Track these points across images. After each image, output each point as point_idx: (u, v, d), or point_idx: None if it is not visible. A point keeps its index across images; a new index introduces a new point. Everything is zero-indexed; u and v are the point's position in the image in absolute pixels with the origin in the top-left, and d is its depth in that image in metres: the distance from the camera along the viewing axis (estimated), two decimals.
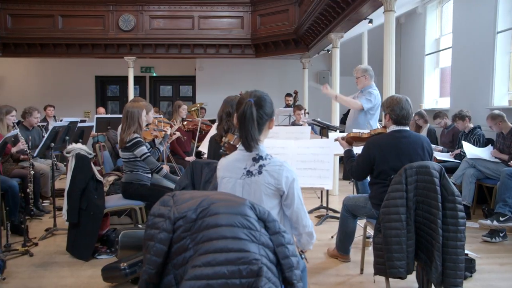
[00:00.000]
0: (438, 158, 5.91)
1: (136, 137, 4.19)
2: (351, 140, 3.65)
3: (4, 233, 4.19)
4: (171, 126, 5.12)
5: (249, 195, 2.10)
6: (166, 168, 4.62)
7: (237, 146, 2.21)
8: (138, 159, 4.24)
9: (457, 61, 7.58)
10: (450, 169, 5.54)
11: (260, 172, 2.10)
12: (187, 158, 6.21)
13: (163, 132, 4.90)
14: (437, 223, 2.70)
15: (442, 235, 2.70)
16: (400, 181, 2.84)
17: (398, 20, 9.86)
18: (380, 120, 5.97)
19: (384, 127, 3.43)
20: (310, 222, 2.20)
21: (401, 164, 3.00)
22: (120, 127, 5.87)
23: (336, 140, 3.77)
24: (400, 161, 3.11)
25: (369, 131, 3.64)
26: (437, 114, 6.87)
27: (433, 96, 9.15)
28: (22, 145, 5.08)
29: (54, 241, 4.61)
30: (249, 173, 2.12)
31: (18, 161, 5.50)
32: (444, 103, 8.65)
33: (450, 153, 6.18)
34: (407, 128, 3.31)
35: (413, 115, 7.74)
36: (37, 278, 3.60)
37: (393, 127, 3.29)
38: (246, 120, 2.08)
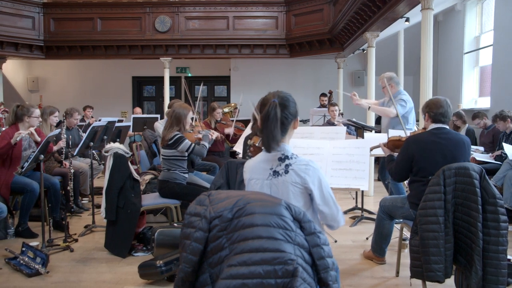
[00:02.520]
0: (478, 159, 5.74)
1: (177, 134, 4.30)
2: (392, 146, 3.64)
3: (47, 229, 4.34)
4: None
5: (276, 195, 2.11)
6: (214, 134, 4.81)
7: (263, 148, 2.22)
8: (179, 157, 4.32)
9: (498, 59, 7.34)
10: (490, 171, 5.38)
11: (286, 172, 2.11)
12: (226, 130, 6.31)
13: (210, 136, 4.90)
14: (477, 226, 2.63)
15: (483, 239, 2.62)
16: (438, 183, 2.78)
17: (436, 18, 9.63)
18: (416, 121, 5.86)
19: (424, 128, 3.41)
20: (343, 218, 2.23)
21: (441, 160, 2.99)
22: (155, 123, 6.00)
23: (375, 147, 3.76)
24: (440, 157, 3.10)
25: (409, 134, 3.61)
26: (476, 114, 6.67)
27: (472, 96, 8.89)
28: (62, 143, 5.24)
29: (93, 237, 4.74)
30: (276, 173, 2.14)
31: (60, 161, 5.68)
32: (483, 103, 8.40)
33: (490, 154, 6.00)
34: (447, 126, 3.28)
35: (451, 115, 7.57)
36: (77, 273, 3.71)
37: (433, 125, 3.29)
38: (270, 121, 2.09)
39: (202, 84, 6.71)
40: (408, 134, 3.66)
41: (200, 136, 4.75)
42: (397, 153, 3.67)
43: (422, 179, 3.18)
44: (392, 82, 5.12)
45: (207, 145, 4.56)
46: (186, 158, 4.44)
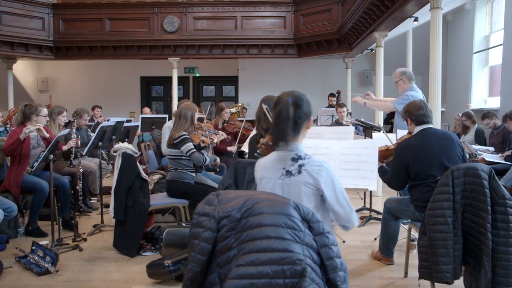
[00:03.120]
0: (487, 159, 5.70)
1: (184, 134, 4.34)
2: (381, 157, 3.62)
3: (56, 228, 4.37)
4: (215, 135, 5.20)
5: (288, 195, 2.11)
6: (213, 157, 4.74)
7: (276, 147, 2.22)
8: (184, 157, 4.34)
9: (509, 58, 7.28)
10: (500, 171, 5.34)
11: (299, 172, 2.11)
12: (229, 148, 6.29)
13: (211, 140, 4.94)
14: (486, 227, 2.61)
15: (492, 240, 2.60)
16: (447, 183, 2.76)
17: (445, 17, 9.58)
18: None
19: (409, 133, 3.46)
20: (356, 218, 2.23)
21: (435, 159, 3.05)
22: (164, 125, 6.01)
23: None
24: (433, 157, 3.16)
25: (394, 142, 3.64)
26: (486, 114, 6.63)
27: (482, 96, 8.83)
28: (72, 142, 5.27)
29: (101, 237, 4.77)
30: (289, 173, 2.13)
31: (69, 160, 5.71)
32: (493, 103, 8.34)
33: (500, 154, 5.95)
34: (431, 125, 3.37)
35: (461, 115, 7.53)
36: (86, 272, 3.74)
37: (418, 128, 3.36)
38: (282, 119, 2.10)
39: (210, 106, 6.67)
40: (395, 142, 3.68)
41: (203, 138, 4.76)
42: (387, 163, 3.69)
43: (422, 182, 3.22)
44: (404, 77, 5.01)
45: (207, 158, 4.52)
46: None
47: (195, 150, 4.36)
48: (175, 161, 4.40)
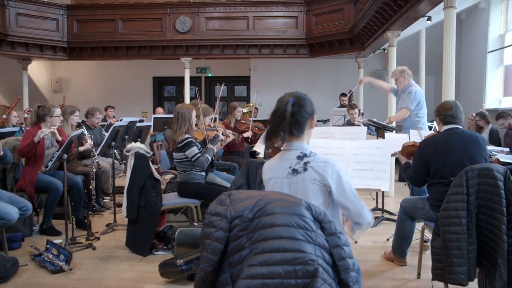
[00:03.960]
0: (502, 160, 5.62)
1: (187, 138, 4.27)
2: (407, 153, 3.63)
3: (70, 227, 4.42)
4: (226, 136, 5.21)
5: (296, 193, 2.12)
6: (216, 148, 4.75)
7: (281, 148, 2.23)
8: (190, 159, 4.34)
9: None
10: None
11: (305, 169, 2.12)
12: (245, 134, 6.41)
13: (214, 132, 4.97)
14: (502, 229, 2.58)
15: (507, 242, 2.57)
16: (461, 184, 2.73)
17: (459, 16, 9.48)
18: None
19: (437, 131, 3.43)
20: (369, 213, 2.22)
21: (457, 160, 3.02)
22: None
23: (393, 155, 3.76)
24: (456, 157, 3.12)
25: (422, 138, 3.61)
26: (500, 114, 6.55)
27: (496, 96, 8.72)
28: (89, 145, 5.32)
29: (114, 236, 4.81)
30: (294, 171, 2.15)
31: (83, 158, 5.77)
32: (508, 103, 8.23)
33: None
34: (459, 126, 3.33)
35: (475, 115, 7.45)
36: (100, 271, 3.77)
37: (445, 127, 3.32)
38: (277, 117, 2.13)
39: (222, 84, 6.69)
40: (423, 137, 3.66)
41: (207, 132, 4.77)
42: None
43: (440, 180, 3.18)
44: (404, 74, 5.41)
45: (209, 158, 4.47)
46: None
47: (200, 155, 4.30)
48: (182, 163, 4.39)
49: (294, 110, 2.15)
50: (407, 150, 3.64)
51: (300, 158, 2.16)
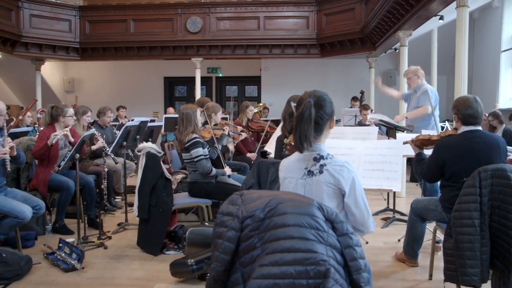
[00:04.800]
0: None
1: (195, 137, 4.29)
2: (420, 144, 3.55)
3: (82, 226, 4.46)
4: (239, 133, 5.20)
5: (310, 195, 2.11)
6: (227, 171, 4.68)
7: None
8: (193, 159, 4.34)
9: None
10: None
11: (321, 172, 2.11)
12: (248, 155, 6.28)
13: (221, 131, 4.98)
14: None
15: None
16: (474, 185, 2.70)
17: (471, 15, 9.39)
18: (449, 120, 5.79)
19: (455, 129, 3.31)
20: (373, 224, 2.20)
21: (475, 165, 2.86)
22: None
23: (406, 143, 3.68)
24: (474, 163, 2.96)
25: (439, 133, 3.52)
26: None
27: (510, 95, 8.63)
28: (101, 143, 5.36)
29: (125, 235, 4.84)
30: (310, 172, 2.14)
31: (95, 158, 5.81)
32: None
33: None
34: (479, 128, 3.16)
35: (487, 115, 7.37)
36: (111, 270, 3.80)
37: (464, 128, 3.18)
38: (303, 120, 2.09)
39: (232, 100, 6.66)
40: (438, 133, 3.56)
41: (214, 131, 4.78)
42: (425, 151, 3.59)
43: (455, 184, 3.10)
44: (418, 73, 5.36)
45: (213, 169, 4.41)
46: (208, 156, 4.45)
47: (203, 157, 4.29)
48: (191, 163, 4.39)
49: (314, 111, 2.13)
50: (421, 142, 3.54)
51: (316, 160, 2.14)
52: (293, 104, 3.14)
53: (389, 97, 6.27)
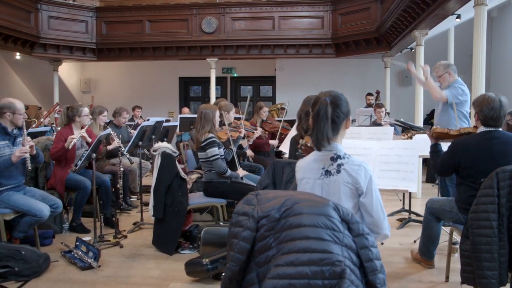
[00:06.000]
0: None
1: (211, 137, 4.32)
2: (437, 137, 3.51)
3: (98, 224, 4.50)
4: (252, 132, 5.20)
5: (328, 195, 2.11)
6: (241, 172, 4.69)
7: (314, 148, 2.22)
8: (208, 158, 4.36)
9: None
10: None
11: (338, 171, 2.11)
12: (270, 141, 6.32)
13: (237, 133, 4.99)
14: None
15: None
16: (491, 185, 2.66)
17: (489, 13, 9.25)
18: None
19: (475, 126, 3.26)
20: (387, 225, 2.18)
21: (493, 166, 2.81)
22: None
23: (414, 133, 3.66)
24: (491, 163, 2.92)
25: (458, 128, 3.47)
26: None
27: None
28: (117, 143, 5.42)
29: (141, 234, 4.87)
30: (328, 172, 2.13)
31: (111, 157, 5.87)
32: None
33: None
34: (499, 129, 3.11)
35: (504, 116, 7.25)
36: (127, 268, 3.84)
37: (482, 128, 3.13)
38: (320, 119, 2.11)
39: (248, 99, 6.63)
40: (458, 127, 3.52)
41: (231, 133, 4.79)
42: (441, 142, 3.54)
43: (472, 184, 3.06)
44: (449, 69, 4.81)
45: (229, 171, 4.44)
46: (223, 157, 4.46)
47: (219, 156, 4.33)
48: (206, 163, 4.42)
49: (331, 109, 2.13)
50: (438, 135, 3.50)
51: (333, 159, 2.14)
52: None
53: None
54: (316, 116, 2.13)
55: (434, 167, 3.42)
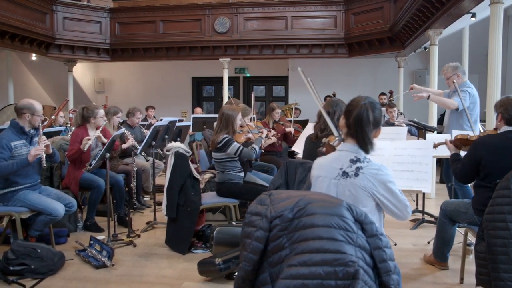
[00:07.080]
0: None
1: (226, 137, 4.32)
2: (459, 144, 3.49)
3: (112, 224, 4.54)
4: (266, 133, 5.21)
5: (343, 196, 2.09)
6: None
7: (337, 148, 2.21)
8: (229, 159, 4.36)
9: None
10: None
11: (356, 174, 2.09)
12: (287, 129, 6.41)
13: (258, 134, 4.97)
14: None
15: None
16: (508, 186, 2.63)
17: (506, 12, 9.13)
18: (481, 121, 5.59)
19: (495, 129, 3.23)
20: (410, 210, 2.20)
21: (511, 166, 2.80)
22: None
23: (436, 145, 3.62)
24: (510, 162, 2.90)
25: (478, 134, 3.45)
26: None
27: None
28: (131, 141, 5.45)
29: (154, 233, 4.90)
30: (345, 174, 2.11)
31: (124, 157, 5.91)
32: None
33: None
34: None
35: None
36: (140, 267, 3.86)
37: (505, 128, 3.11)
38: (364, 123, 2.11)
39: (253, 95, 6.64)
40: (478, 134, 3.48)
41: (249, 136, 4.78)
42: (462, 151, 3.52)
43: (490, 184, 3.02)
44: (458, 71, 4.83)
45: (257, 148, 4.53)
46: (238, 158, 4.47)
47: (242, 147, 4.34)
48: (220, 164, 4.43)
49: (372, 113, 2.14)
50: (459, 141, 3.49)
51: (353, 161, 2.13)
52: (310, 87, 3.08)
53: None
54: (357, 121, 2.12)
55: (456, 174, 3.38)
